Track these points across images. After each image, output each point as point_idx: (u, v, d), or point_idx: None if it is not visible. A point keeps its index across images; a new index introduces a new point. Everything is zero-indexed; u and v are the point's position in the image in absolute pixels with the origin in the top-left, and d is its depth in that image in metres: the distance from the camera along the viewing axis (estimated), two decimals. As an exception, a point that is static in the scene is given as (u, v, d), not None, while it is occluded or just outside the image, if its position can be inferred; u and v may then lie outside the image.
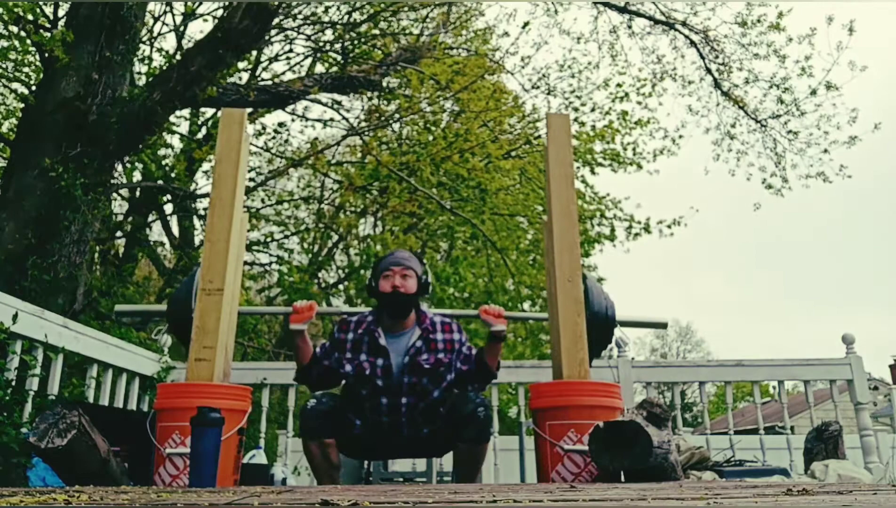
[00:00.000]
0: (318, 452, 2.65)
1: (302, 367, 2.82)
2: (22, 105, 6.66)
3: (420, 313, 2.82)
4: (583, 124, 9.31)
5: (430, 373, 2.70)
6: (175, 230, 10.63)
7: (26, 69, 7.79)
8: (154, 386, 4.29)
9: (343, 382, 2.84)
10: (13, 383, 3.14)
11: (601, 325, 3.08)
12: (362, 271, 12.10)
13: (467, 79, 8.14)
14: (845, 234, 56.52)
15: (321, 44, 7.90)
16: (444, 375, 2.73)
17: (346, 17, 7.66)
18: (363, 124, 8.20)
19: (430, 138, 8.77)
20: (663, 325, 3.66)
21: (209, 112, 8.78)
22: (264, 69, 9.02)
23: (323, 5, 7.48)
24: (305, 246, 11.27)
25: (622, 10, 9.02)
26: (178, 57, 7.53)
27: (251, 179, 9.05)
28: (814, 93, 8.57)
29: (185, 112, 8.80)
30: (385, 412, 2.68)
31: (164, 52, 8.55)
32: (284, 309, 3.47)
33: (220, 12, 6.82)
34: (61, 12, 6.85)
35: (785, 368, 4.80)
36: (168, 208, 9.41)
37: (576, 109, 9.21)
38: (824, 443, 3.75)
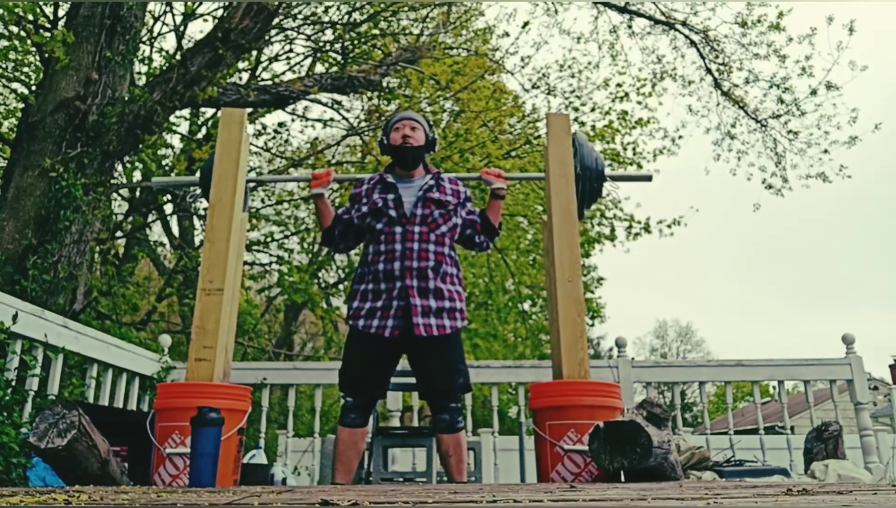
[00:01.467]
0: (347, 439, 2.78)
1: (326, 229, 3.05)
2: (22, 105, 6.66)
3: (427, 167, 3.06)
4: (583, 124, 9.30)
5: (440, 206, 2.91)
6: (175, 230, 10.64)
7: (26, 69, 7.80)
8: (154, 386, 4.30)
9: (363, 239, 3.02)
10: (13, 383, 3.14)
11: (592, 178, 3.37)
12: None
13: (467, 79, 8.14)
14: (845, 234, 56.53)
15: (321, 44, 7.89)
16: (451, 214, 2.93)
17: (346, 17, 7.66)
18: (363, 124, 8.20)
19: (430, 138, 8.74)
20: (648, 178, 3.89)
21: (209, 112, 8.77)
22: (264, 69, 9.02)
23: (323, 5, 7.48)
24: (305, 246, 11.27)
25: (622, 10, 9.02)
26: (178, 57, 7.52)
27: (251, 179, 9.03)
28: (814, 93, 8.57)
29: (185, 112, 8.80)
30: (398, 239, 2.83)
31: (164, 52, 8.55)
32: (304, 176, 3.95)
33: (220, 12, 6.82)
34: (61, 12, 6.85)
35: (785, 368, 4.81)
36: (168, 208, 9.41)
37: (576, 109, 9.21)
38: (824, 443, 3.76)
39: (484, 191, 8.23)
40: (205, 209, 8.54)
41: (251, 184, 3.97)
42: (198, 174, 3.64)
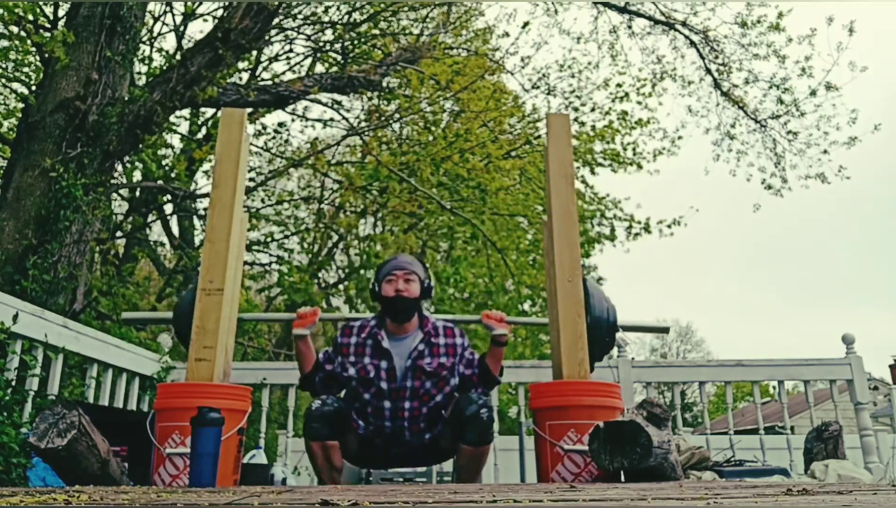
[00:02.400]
0: (320, 454, 2.66)
1: (305, 374, 2.84)
2: (22, 105, 6.66)
3: (422, 317, 2.84)
4: (583, 124, 9.31)
5: (432, 377, 2.71)
6: (175, 230, 10.63)
7: (26, 69, 7.80)
8: (154, 386, 4.30)
9: (345, 389, 2.84)
10: (13, 383, 3.14)
11: (603, 331, 3.05)
12: (362, 271, 12.08)
13: (467, 79, 8.14)
14: (845, 234, 56.53)
15: (321, 44, 7.89)
16: (447, 379, 2.74)
17: (346, 17, 7.66)
18: (363, 124, 8.20)
19: (430, 138, 8.77)
20: (665, 330, 3.70)
21: (209, 112, 8.77)
22: (264, 69, 9.02)
23: (323, 5, 7.48)
24: (305, 246, 11.27)
25: (622, 10, 9.02)
26: (178, 57, 7.52)
27: (251, 179, 9.05)
28: (813, 93, 8.57)
29: (185, 112, 8.80)
30: (388, 416, 2.68)
31: (164, 52, 8.55)
32: (287, 315, 3.53)
33: (220, 12, 6.81)
34: (61, 12, 6.85)
35: (785, 368, 4.80)
36: (168, 208, 9.41)
37: (576, 109, 9.21)
38: (824, 443, 3.75)
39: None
40: (205, 209, 8.54)
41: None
42: (170, 310, 3.43)
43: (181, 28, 8.21)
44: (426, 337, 2.77)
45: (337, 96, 8.11)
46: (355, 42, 7.86)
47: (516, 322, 3.14)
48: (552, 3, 9.03)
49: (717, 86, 9.18)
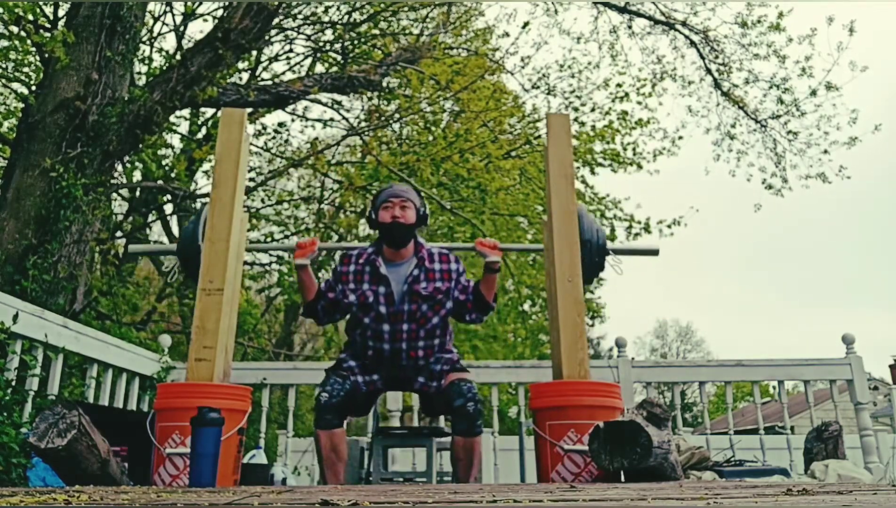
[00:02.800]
0: (327, 443, 2.72)
1: (308, 302, 2.93)
2: (22, 105, 6.66)
3: (418, 244, 2.92)
4: (583, 124, 9.30)
5: (428, 300, 2.80)
6: (175, 230, 10.63)
7: (26, 69, 7.80)
8: (154, 386, 4.30)
9: (348, 316, 2.95)
10: (13, 383, 3.14)
11: (593, 252, 3.18)
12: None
13: (467, 79, 8.14)
14: (845, 234, 56.54)
15: (321, 44, 7.89)
16: (443, 303, 2.83)
17: (346, 17, 7.66)
18: (363, 124, 8.20)
19: (430, 138, 8.77)
20: (654, 252, 3.62)
21: (209, 112, 8.78)
22: (264, 69, 9.02)
23: (323, 5, 7.48)
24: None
25: (622, 10, 9.02)
26: (178, 57, 7.52)
27: (251, 179, 9.05)
28: (814, 93, 8.57)
29: (185, 112, 8.80)
30: (387, 339, 2.78)
31: (164, 52, 8.55)
32: (289, 245, 3.53)
33: (220, 12, 6.81)
34: (61, 12, 6.84)
35: (785, 368, 4.81)
36: (168, 208, 9.41)
37: (576, 109, 9.20)
38: (824, 443, 3.75)
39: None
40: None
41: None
42: (175, 244, 3.53)
43: (181, 28, 8.22)
44: (420, 263, 2.85)
45: (337, 96, 8.11)
46: (355, 42, 7.86)
47: (509, 248, 3.26)
48: (552, 3, 9.03)
49: (717, 86, 9.19)
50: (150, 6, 7.44)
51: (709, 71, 9.12)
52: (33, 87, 6.91)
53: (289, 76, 8.28)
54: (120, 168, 6.70)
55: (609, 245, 3.24)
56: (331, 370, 2.93)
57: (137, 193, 8.53)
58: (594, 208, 9.69)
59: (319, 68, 8.57)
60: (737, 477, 3.23)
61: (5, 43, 6.35)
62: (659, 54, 9.53)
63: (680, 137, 9.69)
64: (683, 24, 8.90)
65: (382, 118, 8.06)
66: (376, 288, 2.80)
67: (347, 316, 2.94)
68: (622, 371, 4.61)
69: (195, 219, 3.27)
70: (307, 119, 8.65)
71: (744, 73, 9.02)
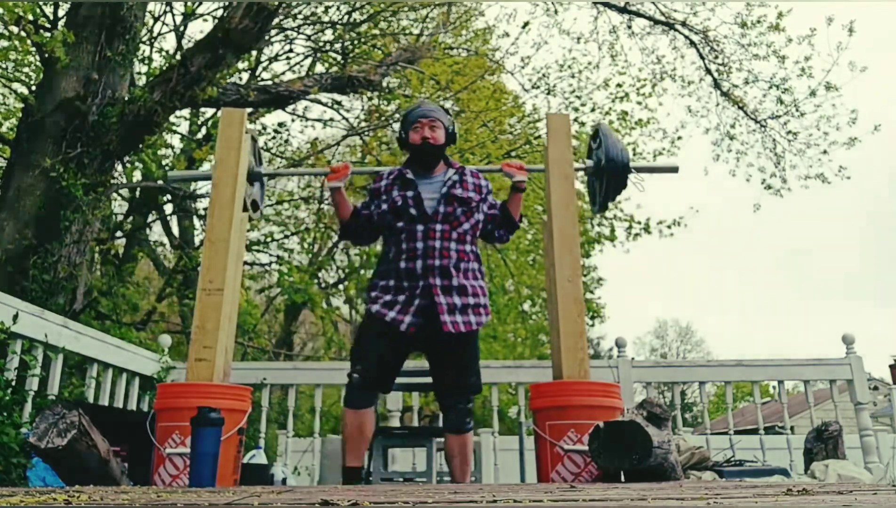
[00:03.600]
0: (354, 421, 2.75)
1: (344, 223, 3.02)
2: (22, 105, 6.66)
3: (449, 161, 3.02)
4: (583, 124, 9.30)
5: (463, 204, 2.87)
6: (175, 230, 10.64)
7: (26, 69, 7.79)
8: (154, 386, 4.30)
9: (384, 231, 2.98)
10: (13, 383, 3.14)
11: (618, 170, 3.32)
12: (362, 271, 12.09)
13: (467, 79, 8.14)
14: (845, 234, 56.55)
15: (321, 44, 7.89)
16: (474, 211, 2.90)
17: (346, 17, 7.66)
18: (363, 124, 8.20)
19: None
20: (674, 169, 3.69)
21: (209, 112, 8.78)
22: (264, 69, 9.02)
23: (323, 5, 7.48)
24: (305, 246, 11.26)
25: (622, 10, 9.02)
26: (178, 57, 7.52)
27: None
28: (813, 94, 8.57)
29: (185, 112, 8.79)
30: (420, 237, 2.81)
31: (164, 52, 8.55)
32: (321, 170, 4.07)
33: (220, 12, 6.81)
34: (61, 12, 6.84)
35: (785, 368, 4.81)
36: (168, 208, 9.41)
37: (576, 109, 9.20)
38: (824, 443, 3.75)
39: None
40: (205, 209, 8.54)
41: (267, 179, 3.92)
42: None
43: (181, 28, 8.22)
44: (458, 172, 2.96)
45: (337, 96, 8.11)
46: (355, 42, 7.86)
47: (532, 169, 3.39)
48: (552, 3, 9.03)
49: (717, 86, 9.19)
50: (150, 6, 7.44)
51: (708, 71, 9.12)
52: (33, 87, 6.90)
53: (289, 76, 8.28)
54: (120, 168, 6.70)
55: (632, 164, 3.36)
56: (363, 327, 2.91)
57: (137, 193, 8.53)
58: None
59: (319, 68, 8.57)
60: (737, 477, 3.23)
61: (5, 43, 6.34)
62: (659, 54, 9.54)
63: (679, 137, 9.70)
64: (683, 24, 8.90)
65: (382, 118, 8.06)
66: (405, 193, 2.87)
67: (384, 237, 2.98)
68: (622, 371, 4.61)
69: None
70: (307, 119, 8.65)
71: (743, 74, 9.03)
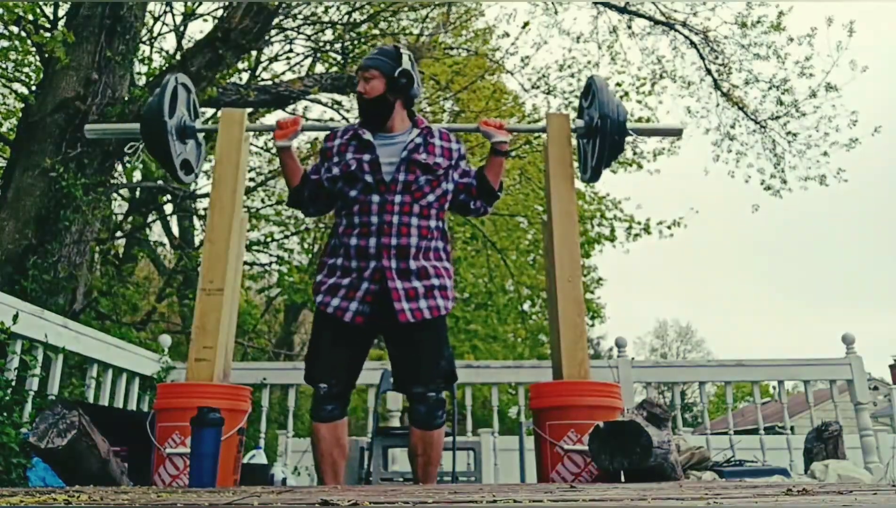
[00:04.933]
0: (328, 436, 2.43)
1: (293, 188, 2.65)
2: (22, 105, 6.66)
3: (414, 118, 2.63)
4: (583, 124, 9.29)
5: (427, 172, 2.49)
6: (175, 230, 10.64)
7: (26, 69, 7.79)
8: (154, 386, 4.30)
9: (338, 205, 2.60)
10: (13, 383, 3.14)
11: (613, 131, 2.92)
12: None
13: (467, 79, 8.15)
14: (846, 234, 56.54)
15: (321, 44, 7.90)
16: (441, 180, 2.52)
17: (346, 17, 7.66)
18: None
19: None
20: (678, 132, 3.36)
21: (209, 112, 8.78)
22: (264, 69, 9.03)
23: (323, 5, 7.48)
24: (305, 246, 11.27)
25: (622, 10, 9.02)
26: (178, 57, 7.53)
27: (251, 179, 9.05)
28: (814, 94, 8.58)
29: (185, 112, 8.77)
30: (375, 211, 2.43)
31: (164, 52, 8.56)
32: (268, 126, 3.28)
33: (220, 12, 6.82)
34: (61, 12, 6.85)
35: (785, 368, 4.81)
36: (168, 208, 9.42)
37: (575, 109, 9.19)
38: (824, 443, 3.75)
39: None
40: (205, 209, 8.54)
41: (203, 137, 3.44)
42: (136, 125, 3.17)
43: (181, 28, 8.22)
44: (423, 133, 2.56)
45: (337, 96, 8.12)
46: (355, 42, 7.86)
47: (516, 129, 2.90)
48: (552, 2, 9.03)
49: (717, 86, 9.19)
50: (150, 6, 7.44)
51: (709, 71, 9.12)
52: (33, 87, 6.91)
53: (289, 76, 8.28)
54: (120, 168, 6.70)
55: (629, 124, 2.98)
56: (314, 322, 2.57)
57: (137, 193, 8.53)
58: (594, 208, 9.70)
59: (319, 68, 8.57)
60: (737, 477, 3.23)
61: (5, 43, 6.34)
62: (659, 55, 9.54)
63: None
64: (683, 24, 8.90)
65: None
66: (360, 156, 2.48)
67: (336, 206, 2.60)
68: (622, 371, 4.61)
69: (160, 91, 2.96)
70: (307, 119, 8.65)
71: (744, 74, 9.04)
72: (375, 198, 2.44)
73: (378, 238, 2.42)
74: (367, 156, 2.48)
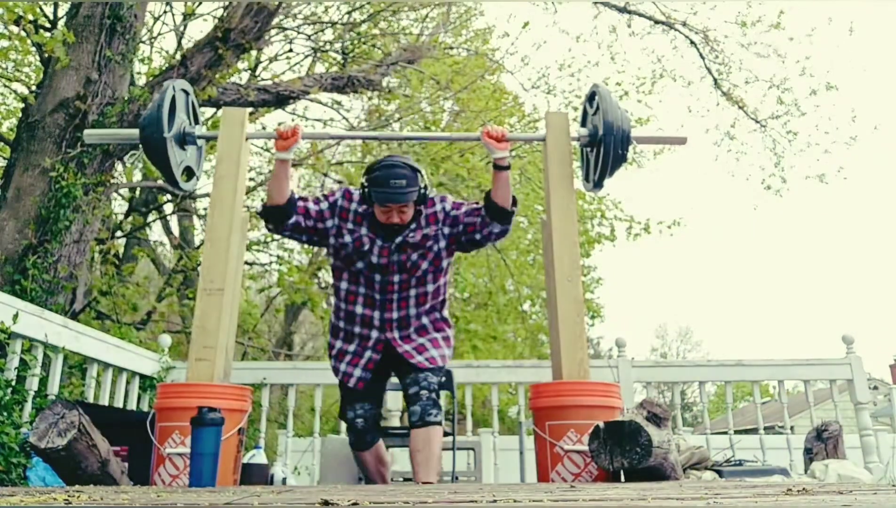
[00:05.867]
0: (372, 459, 2.82)
1: (275, 204, 2.70)
2: (22, 105, 6.66)
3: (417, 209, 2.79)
4: (583, 124, 9.30)
5: (416, 247, 2.70)
6: (175, 230, 10.64)
7: (26, 69, 7.80)
8: (154, 386, 4.30)
9: (326, 252, 2.85)
10: (13, 383, 3.14)
11: (617, 141, 2.93)
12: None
13: (467, 79, 8.14)
14: (845, 234, 56.53)
15: (321, 44, 7.89)
16: (431, 247, 2.71)
17: (346, 17, 7.66)
18: (363, 124, 8.20)
19: (431, 138, 8.76)
20: (682, 141, 3.29)
21: (209, 112, 8.78)
22: (264, 69, 9.02)
23: (323, 5, 7.48)
24: (305, 246, 11.26)
25: (622, 9, 9.02)
26: (178, 57, 7.53)
27: (251, 179, 9.04)
28: (814, 93, 8.58)
29: (185, 112, 8.77)
30: (377, 289, 2.72)
31: (164, 52, 8.56)
32: (267, 133, 3.30)
33: (220, 12, 6.81)
34: (61, 12, 6.84)
35: (785, 368, 4.81)
36: (168, 208, 9.41)
37: (575, 109, 9.21)
38: (824, 443, 3.75)
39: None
40: (205, 209, 8.54)
41: (205, 143, 3.48)
42: (136, 130, 3.11)
43: (181, 28, 8.22)
44: (416, 217, 2.72)
45: (337, 96, 8.11)
46: (355, 42, 7.86)
47: (516, 138, 2.99)
48: (552, 2, 9.03)
49: (717, 85, 9.19)
50: (150, 6, 7.43)
51: (709, 71, 9.13)
52: (33, 87, 6.90)
53: (289, 76, 8.28)
54: (120, 168, 6.70)
55: (633, 133, 2.98)
56: (340, 391, 2.88)
57: (137, 193, 8.53)
58: (594, 208, 9.70)
59: (319, 68, 8.57)
60: (737, 477, 3.23)
61: (5, 43, 6.34)
62: (659, 54, 9.55)
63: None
64: (683, 24, 8.90)
65: (382, 118, 8.06)
66: (374, 237, 2.69)
67: (333, 260, 2.80)
68: (622, 371, 4.61)
69: (159, 99, 2.97)
70: (307, 119, 8.66)
71: (744, 73, 9.03)
72: (377, 277, 2.71)
73: (382, 312, 2.74)
74: (379, 242, 2.69)
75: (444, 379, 2.86)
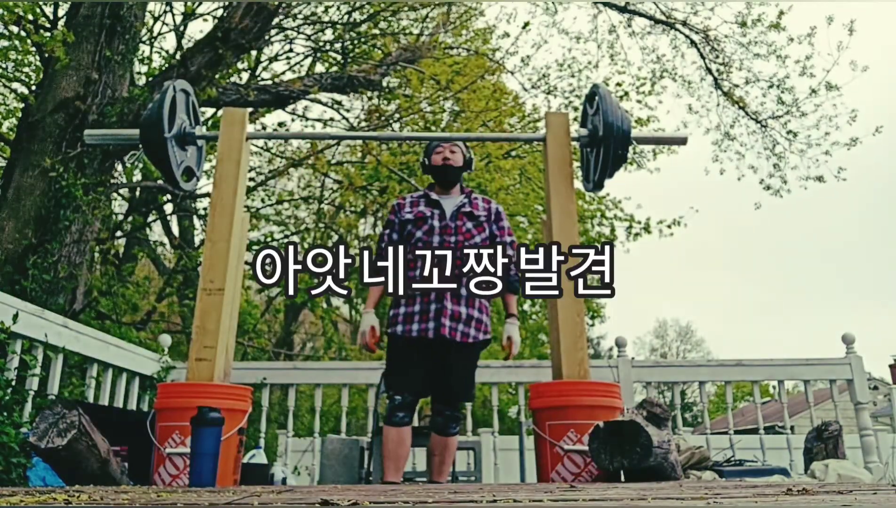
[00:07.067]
0: (395, 437, 2.87)
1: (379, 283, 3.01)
2: (22, 105, 6.66)
3: (463, 187, 3.21)
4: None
5: (472, 218, 3.05)
6: (175, 230, 10.63)
7: (26, 69, 7.79)
8: (154, 386, 4.30)
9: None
10: (13, 383, 3.14)
11: (617, 141, 3.01)
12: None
13: (467, 79, 8.14)
14: (845, 233, 56.54)
15: (321, 44, 7.89)
16: (483, 226, 3.07)
17: (346, 17, 7.66)
18: (363, 124, 8.20)
19: (431, 138, 8.76)
20: (682, 141, 3.35)
21: (209, 112, 8.79)
22: (264, 69, 9.02)
23: (323, 5, 7.48)
24: (305, 246, 11.27)
25: (622, 9, 9.02)
26: (178, 57, 7.52)
27: (251, 179, 9.05)
28: (814, 93, 8.57)
29: (185, 112, 8.77)
30: (436, 246, 2.98)
31: (164, 52, 8.56)
32: (268, 133, 3.39)
33: (220, 12, 6.81)
34: (61, 12, 6.85)
35: (785, 368, 4.80)
36: (168, 208, 9.41)
37: (575, 109, 9.20)
38: (824, 443, 3.75)
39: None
40: (205, 209, 8.54)
41: (205, 144, 3.52)
42: (136, 131, 3.18)
43: (181, 28, 8.22)
44: (467, 196, 3.15)
45: (337, 96, 8.12)
46: (355, 42, 7.86)
47: (515, 138, 3.37)
48: (552, 2, 9.03)
49: (717, 85, 9.18)
50: (150, 6, 7.44)
51: (709, 70, 9.12)
52: (33, 87, 6.91)
53: (289, 76, 8.28)
54: (120, 168, 6.70)
55: (633, 133, 3.06)
56: (390, 350, 3.00)
57: (137, 193, 8.53)
58: (594, 208, 9.70)
59: (319, 68, 8.57)
60: (737, 477, 3.23)
61: (5, 43, 6.34)
62: (659, 54, 9.53)
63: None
64: (683, 23, 8.90)
65: (382, 118, 8.05)
66: (433, 210, 3.07)
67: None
68: (622, 371, 4.61)
69: (159, 99, 3.03)
70: (307, 119, 8.65)
71: (744, 73, 9.03)
72: (436, 239, 3.01)
73: (440, 268, 2.87)
74: (437, 211, 3.07)
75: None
